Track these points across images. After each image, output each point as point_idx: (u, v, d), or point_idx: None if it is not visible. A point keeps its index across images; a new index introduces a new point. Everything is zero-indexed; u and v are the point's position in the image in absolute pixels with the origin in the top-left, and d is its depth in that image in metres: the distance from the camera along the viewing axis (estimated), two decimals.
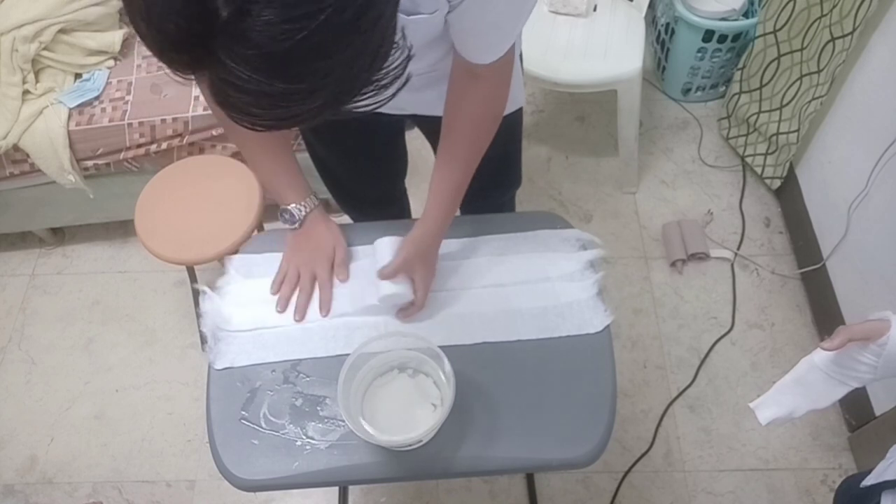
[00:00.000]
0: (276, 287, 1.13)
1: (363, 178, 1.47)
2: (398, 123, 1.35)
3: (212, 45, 0.51)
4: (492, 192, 1.49)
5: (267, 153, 1.13)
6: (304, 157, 2.14)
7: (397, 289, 1.07)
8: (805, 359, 0.96)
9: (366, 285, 1.11)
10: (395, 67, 0.60)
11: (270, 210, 1.75)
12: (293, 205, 1.13)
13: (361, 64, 0.56)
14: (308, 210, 1.14)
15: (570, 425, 1.01)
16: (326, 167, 1.44)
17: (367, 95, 0.60)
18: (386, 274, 1.06)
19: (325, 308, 1.12)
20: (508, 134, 1.34)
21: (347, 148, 1.34)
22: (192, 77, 0.56)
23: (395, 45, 0.59)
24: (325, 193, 2.15)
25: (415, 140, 1.48)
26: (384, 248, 1.10)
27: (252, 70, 0.52)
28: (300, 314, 1.11)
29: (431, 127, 1.12)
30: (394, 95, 0.62)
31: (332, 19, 0.51)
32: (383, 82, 0.60)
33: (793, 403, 0.97)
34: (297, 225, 1.14)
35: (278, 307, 1.12)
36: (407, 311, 1.11)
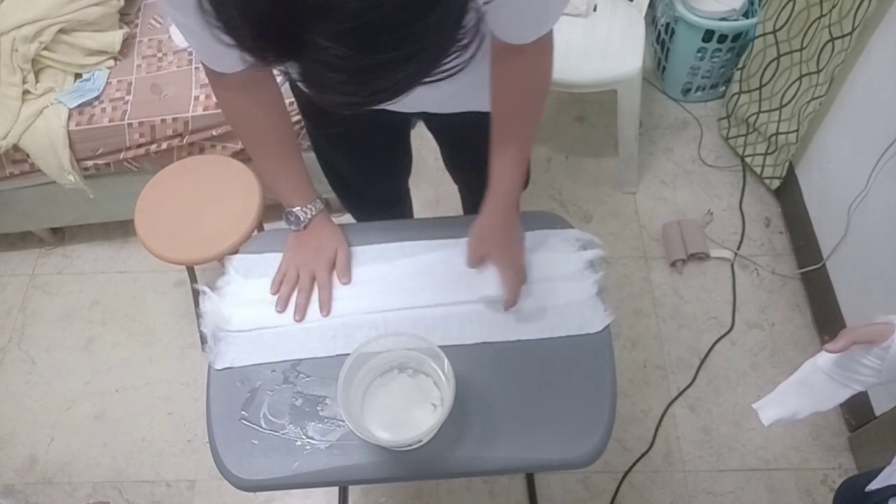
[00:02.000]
0: (276, 287, 1.13)
1: (368, 177, 1.46)
2: (405, 121, 1.34)
3: (304, 27, 0.51)
4: None
5: (276, 156, 1.12)
6: (309, 157, 2.16)
7: (488, 291, 1.06)
8: (809, 361, 0.95)
9: (457, 280, 1.11)
10: (472, 26, 0.59)
11: (270, 210, 1.75)
12: (298, 208, 1.13)
13: (448, 23, 0.56)
14: (313, 214, 1.14)
15: (570, 425, 1.01)
16: (332, 165, 1.44)
17: (453, 57, 0.59)
18: (468, 265, 1.05)
19: (326, 308, 1.12)
20: None
21: (354, 146, 1.33)
22: (284, 67, 0.56)
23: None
24: (328, 192, 2.16)
25: (413, 140, 1.48)
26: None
27: (346, 45, 0.52)
28: (300, 314, 1.11)
29: (440, 124, 1.11)
30: (447, 74, 0.60)
31: (430, 4, 0.52)
32: (464, 41, 0.59)
33: (796, 405, 0.96)
34: (301, 227, 1.14)
35: (278, 307, 1.12)
36: (504, 306, 1.09)
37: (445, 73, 0.59)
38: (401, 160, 1.49)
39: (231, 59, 0.96)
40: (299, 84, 0.58)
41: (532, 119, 1.06)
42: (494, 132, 1.06)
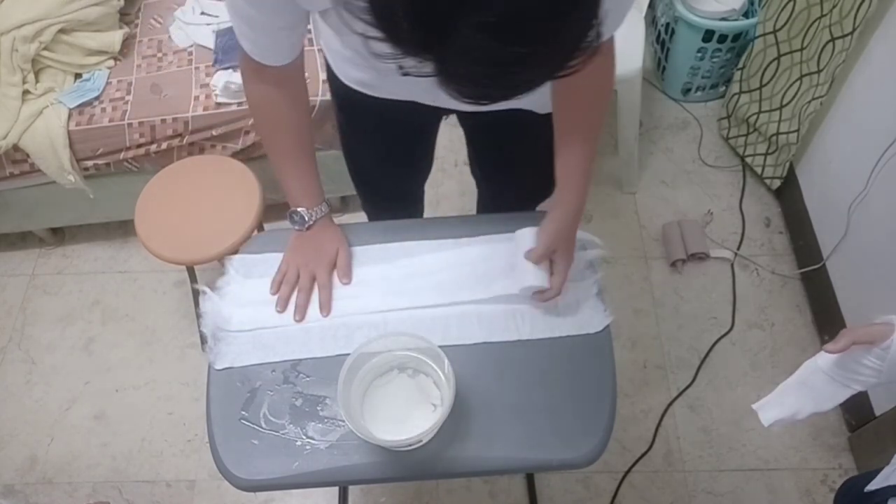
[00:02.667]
0: (276, 287, 1.13)
1: (392, 172, 1.46)
2: (439, 118, 1.34)
3: (455, 18, 0.52)
4: (534, 199, 1.49)
5: (293, 153, 1.12)
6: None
7: (537, 280, 1.05)
8: (808, 361, 0.95)
9: (499, 274, 1.11)
10: (598, 24, 0.60)
11: (270, 210, 1.75)
12: (304, 208, 1.13)
13: (587, 20, 0.57)
14: (318, 216, 1.14)
15: (570, 425, 1.01)
16: (358, 159, 1.44)
17: (580, 55, 0.60)
18: (533, 258, 1.05)
19: (326, 309, 1.12)
20: (551, 133, 1.35)
21: (384, 140, 1.33)
22: (424, 58, 0.56)
23: None
24: (329, 193, 2.16)
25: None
26: (527, 236, 1.08)
27: (493, 37, 0.53)
28: (300, 314, 1.11)
29: (476, 120, 1.12)
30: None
31: None
32: (590, 39, 0.60)
33: (796, 405, 0.96)
34: (304, 228, 1.13)
35: (277, 307, 1.12)
36: (545, 295, 1.09)
37: (571, 70, 0.60)
38: (424, 158, 1.49)
39: (281, 52, 0.98)
40: (436, 77, 0.58)
41: (599, 122, 1.06)
42: (561, 136, 1.06)
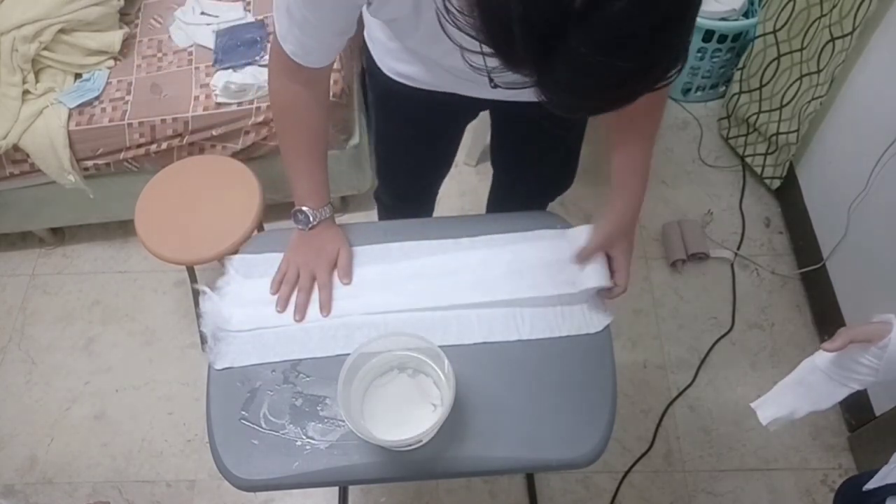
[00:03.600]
0: (276, 287, 1.13)
1: (419, 163, 1.47)
2: (475, 110, 1.35)
3: (566, 33, 0.53)
4: (552, 192, 1.54)
5: (307, 153, 1.13)
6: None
7: (598, 280, 1.05)
8: (806, 360, 0.96)
9: (500, 280, 1.11)
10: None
11: (270, 210, 1.75)
12: (309, 208, 1.13)
13: (687, 29, 0.58)
14: (322, 217, 1.15)
15: (570, 425, 1.01)
16: (389, 149, 1.45)
17: (677, 67, 0.61)
18: (586, 253, 1.05)
19: (326, 309, 1.12)
20: (579, 130, 1.37)
21: (417, 129, 1.34)
22: (528, 72, 0.57)
23: None
24: (332, 192, 2.16)
25: None
26: (582, 235, 1.08)
27: (603, 53, 0.53)
28: (300, 314, 1.11)
29: (508, 110, 1.13)
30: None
31: (686, 7, 0.55)
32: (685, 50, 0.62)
33: (794, 404, 0.97)
34: (307, 228, 1.14)
35: (277, 307, 1.12)
36: (612, 293, 1.09)
37: (666, 83, 0.61)
38: (450, 153, 1.50)
39: (327, 55, 1.01)
40: (536, 90, 0.59)
41: (657, 125, 1.08)
42: (619, 138, 1.08)
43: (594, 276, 1.06)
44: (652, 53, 0.56)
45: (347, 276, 1.15)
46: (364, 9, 0.92)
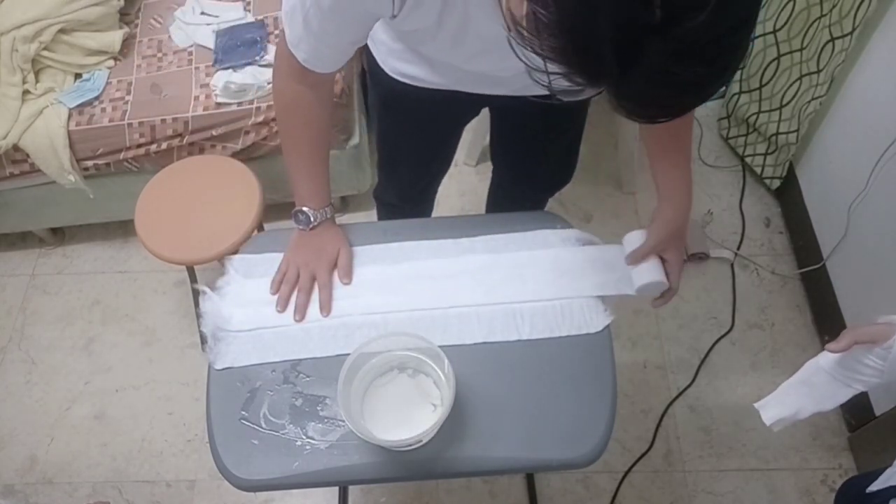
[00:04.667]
0: (276, 287, 1.13)
1: (420, 162, 1.48)
2: (477, 107, 1.36)
3: (644, 45, 0.54)
4: (552, 189, 1.55)
5: (309, 154, 1.13)
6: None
7: (653, 277, 1.07)
8: (811, 361, 0.96)
9: (501, 282, 1.12)
10: None
11: (270, 210, 1.75)
12: (310, 209, 1.13)
13: (751, 31, 0.60)
14: (323, 218, 1.15)
15: (570, 425, 1.01)
16: (392, 147, 1.45)
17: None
18: (641, 254, 1.07)
19: (326, 309, 1.12)
20: (579, 125, 1.38)
21: (420, 127, 1.34)
22: (610, 85, 0.59)
23: None
24: (332, 193, 2.16)
25: None
26: (637, 238, 1.11)
27: (682, 62, 0.55)
28: (300, 314, 1.11)
29: (512, 106, 1.14)
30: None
31: (754, 9, 0.57)
32: None
33: (798, 404, 0.96)
34: (307, 228, 1.14)
35: (278, 307, 1.12)
36: (665, 297, 1.11)
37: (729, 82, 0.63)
38: (450, 152, 1.51)
39: (338, 62, 1.01)
40: (609, 99, 0.61)
41: (692, 132, 1.11)
42: (660, 149, 1.10)
43: (651, 271, 1.08)
44: (727, 57, 0.58)
45: (347, 276, 1.15)
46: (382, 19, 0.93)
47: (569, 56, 0.58)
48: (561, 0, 0.55)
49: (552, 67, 0.59)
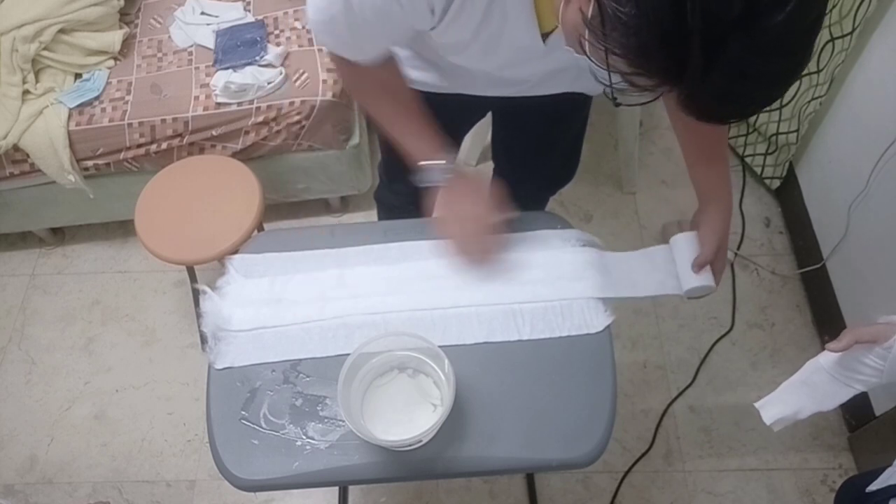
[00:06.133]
0: (457, 249, 1.12)
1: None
2: (485, 110, 1.37)
3: (724, 41, 0.54)
4: (555, 187, 1.55)
5: (406, 116, 1.12)
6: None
7: (704, 282, 1.09)
8: (811, 360, 0.96)
9: (501, 282, 1.12)
10: None
11: (270, 210, 1.75)
12: (439, 160, 1.11)
13: (820, 26, 0.60)
14: (453, 164, 1.12)
15: (570, 425, 1.01)
16: (393, 152, 1.44)
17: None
18: (704, 261, 1.08)
19: (496, 249, 1.11)
20: (582, 123, 1.38)
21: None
22: (687, 86, 0.59)
23: None
24: (329, 193, 2.15)
25: None
26: (685, 242, 1.12)
27: (762, 58, 0.55)
28: (482, 262, 1.11)
29: (515, 104, 1.14)
30: None
31: (825, 4, 0.57)
32: None
33: (798, 404, 0.96)
34: (444, 180, 1.11)
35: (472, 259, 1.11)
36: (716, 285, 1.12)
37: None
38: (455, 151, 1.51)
39: (383, 54, 1.02)
40: (679, 100, 0.61)
41: (727, 137, 1.11)
42: (699, 156, 1.11)
43: (701, 276, 1.10)
44: (802, 53, 0.58)
45: (504, 210, 1.12)
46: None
47: (650, 54, 0.57)
48: None
49: (617, 69, 0.59)
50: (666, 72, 0.58)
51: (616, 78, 0.61)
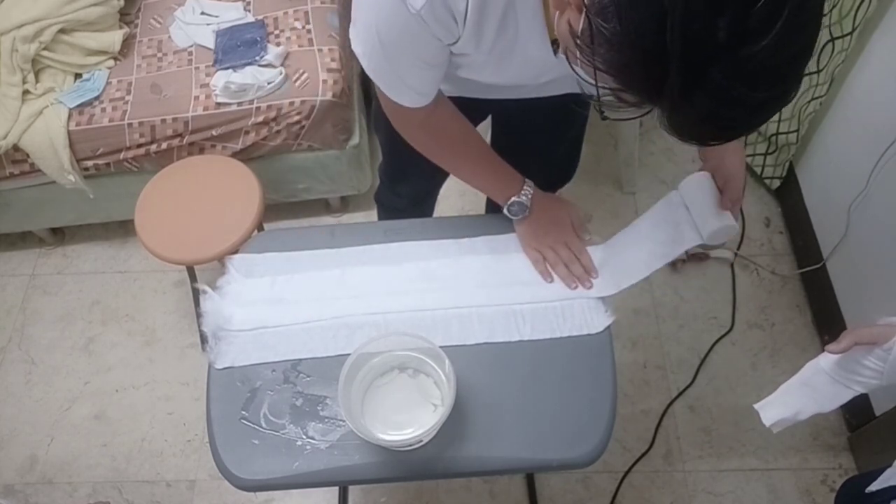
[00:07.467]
0: (548, 277, 1.13)
1: (426, 166, 1.48)
2: (486, 113, 1.37)
3: (709, 66, 0.54)
4: (554, 186, 1.53)
5: (476, 158, 1.15)
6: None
7: (724, 221, 1.04)
8: (811, 362, 0.96)
9: (501, 283, 1.13)
10: None
11: (270, 210, 1.75)
12: (518, 196, 1.13)
13: (808, 61, 0.60)
14: (532, 193, 1.15)
15: (570, 425, 1.01)
16: (400, 154, 1.44)
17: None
18: (734, 199, 1.05)
19: (594, 272, 1.13)
20: (581, 123, 1.40)
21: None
22: (668, 107, 0.59)
23: None
24: (329, 193, 2.15)
25: None
26: (697, 184, 1.07)
27: (746, 83, 0.55)
28: (575, 283, 1.12)
29: (517, 106, 1.16)
30: None
31: (814, 32, 0.57)
32: None
33: (798, 405, 0.96)
34: (527, 212, 1.14)
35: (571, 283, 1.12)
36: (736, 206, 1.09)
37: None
38: None
39: (432, 88, 1.01)
40: (663, 121, 0.61)
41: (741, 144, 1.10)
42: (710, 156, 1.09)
43: (720, 216, 1.04)
44: (789, 81, 0.58)
45: (582, 231, 1.17)
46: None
47: (630, 72, 0.57)
48: (627, 14, 0.54)
49: (604, 84, 0.59)
50: (646, 91, 0.58)
51: (604, 91, 0.61)
